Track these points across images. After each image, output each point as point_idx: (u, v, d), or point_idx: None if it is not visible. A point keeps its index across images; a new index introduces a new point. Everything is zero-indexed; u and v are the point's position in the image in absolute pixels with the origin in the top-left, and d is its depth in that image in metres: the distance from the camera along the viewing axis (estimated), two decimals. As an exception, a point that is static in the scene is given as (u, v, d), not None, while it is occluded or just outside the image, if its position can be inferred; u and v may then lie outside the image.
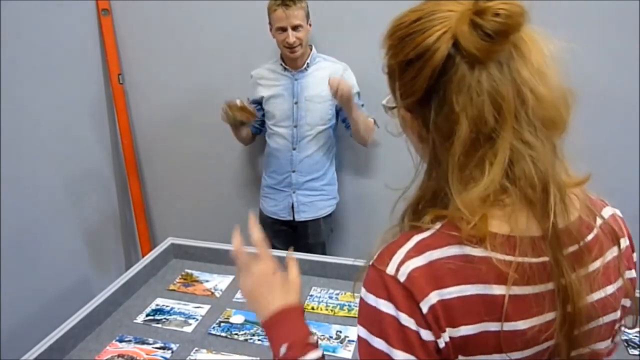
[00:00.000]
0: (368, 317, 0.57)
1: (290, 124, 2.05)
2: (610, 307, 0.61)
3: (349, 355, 1.27)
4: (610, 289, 0.61)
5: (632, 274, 0.65)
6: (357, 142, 2.13)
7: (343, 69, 2.05)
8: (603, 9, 1.88)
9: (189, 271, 1.66)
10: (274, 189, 2.15)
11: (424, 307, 0.53)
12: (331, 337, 1.33)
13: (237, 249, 0.78)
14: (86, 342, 1.32)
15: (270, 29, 1.96)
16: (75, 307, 1.36)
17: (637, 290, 0.67)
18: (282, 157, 2.09)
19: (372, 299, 0.56)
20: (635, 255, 0.68)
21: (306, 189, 2.12)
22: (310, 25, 1.97)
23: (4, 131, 1.91)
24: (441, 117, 0.56)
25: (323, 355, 0.69)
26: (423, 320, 0.53)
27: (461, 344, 0.54)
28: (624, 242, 0.64)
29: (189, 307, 1.47)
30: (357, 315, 0.59)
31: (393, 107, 0.64)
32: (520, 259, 0.54)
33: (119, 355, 1.27)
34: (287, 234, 2.18)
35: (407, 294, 0.54)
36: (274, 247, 1.98)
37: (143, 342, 1.32)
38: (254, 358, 1.26)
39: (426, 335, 0.53)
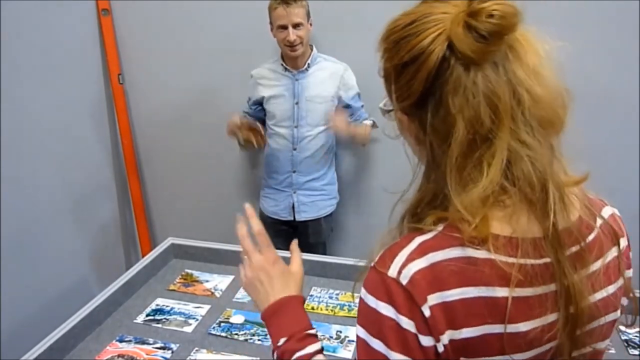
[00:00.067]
0: (367, 318, 0.57)
1: (291, 124, 2.05)
2: (612, 306, 0.61)
3: (349, 355, 1.27)
4: (611, 289, 0.61)
5: (629, 273, 0.66)
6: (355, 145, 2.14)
7: (344, 69, 2.06)
8: (603, 9, 1.88)
9: (189, 271, 1.66)
10: (275, 189, 2.15)
11: (425, 310, 0.53)
12: (331, 337, 1.33)
13: (242, 236, 0.79)
14: (86, 342, 1.32)
15: (271, 29, 1.96)
16: (75, 307, 1.36)
17: (638, 291, 0.67)
18: (282, 158, 2.09)
19: (372, 301, 0.56)
20: (630, 254, 0.68)
21: (307, 189, 2.12)
22: (311, 24, 1.97)
23: (4, 131, 1.91)
24: (438, 119, 0.56)
25: (322, 347, 0.69)
26: (424, 324, 0.53)
27: (463, 347, 0.54)
28: (623, 242, 0.65)
29: (189, 307, 1.47)
30: (356, 316, 0.59)
31: (390, 110, 0.64)
32: (522, 261, 0.53)
33: (119, 355, 1.27)
34: (288, 233, 2.18)
35: (409, 297, 0.53)
36: (274, 247, 1.98)
37: (143, 342, 1.32)
38: (254, 358, 1.26)
39: (425, 340, 0.53)
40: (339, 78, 2.04)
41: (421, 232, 0.57)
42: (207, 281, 1.61)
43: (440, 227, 0.57)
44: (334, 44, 2.13)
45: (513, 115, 0.54)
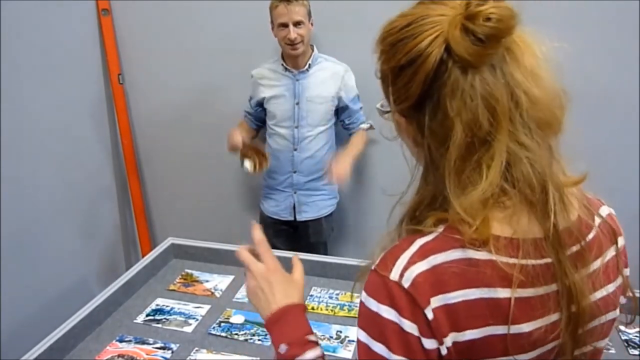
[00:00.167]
0: (369, 321, 0.56)
1: (292, 125, 2.05)
2: (612, 305, 0.62)
3: (349, 355, 1.27)
4: (611, 287, 0.62)
5: (627, 271, 0.66)
6: None
7: (344, 70, 2.05)
8: (603, 9, 1.88)
9: (189, 271, 1.66)
10: (275, 189, 2.15)
11: (429, 312, 0.53)
12: (331, 337, 1.33)
13: (240, 250, 0.79)
14: (86, 342, 1.32)
15: (272, 28, 1.96)
16: (75, 307, 1.36)
17: (638, 291, 0.67)
18: (283, 158, 2.09)
19: (373, 305, 0.56)
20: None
21: (307, 189, 2.12)
22: (312, 24, 1.97)
23: (4, 131, 1.91)
24: (436, 122, 0.56)
25: (323, 354, 0.69)
26: (426, 327, 0.53)
27: (467, 349, 0.53)
28: (621, 241, 0.65)
29: (189, 307, 1.47)
30: (357, 316, 0.59)
31: (387, 111, 0.63)
32: (523, 261, 0.54)
33: (119, 355, 1.27)
34: (289, 233, 2.18)
35: (411, 300, 0.53)
36: (275, 247, 1.98)
37: (143, 342, 1.32)
38: (254, 358, 1.26)
39: (428, 343, 0.53)
40: (339, 79, 2.04)
41: (421, 234, 0.57)
42: (207, 281, 1.61)
43: (440, 229, 0.56)
44: (334, 44, 2.13)
45: (511, 117, 0.54)
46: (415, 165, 0.63)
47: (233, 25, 2.26)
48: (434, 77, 0.54)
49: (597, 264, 0.60)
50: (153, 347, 1.30)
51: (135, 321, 1.41)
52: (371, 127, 2.11)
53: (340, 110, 2.10)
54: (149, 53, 2.43)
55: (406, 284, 0.53)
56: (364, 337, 0.57)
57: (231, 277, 1.61)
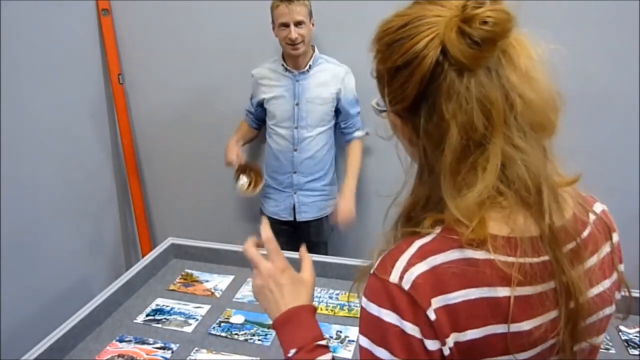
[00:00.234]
0: (370, 326, 0.56)
1: (291, 125, 2.05)
2: (608, 300, 0.62)
3: (349, 355, 1.27)
4: (607, 283, 0.62)
5: (621, 267, 0.67)
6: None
7: (345, 72, 2.05)
8: (603, 9, 1.88)
9: (189, 271, 1.66)
10: (275, 190, 2.15)
11: (431, 314, 0.53)
12: (331, 337, 1.33)
13: (247, 246, 0.78)
14: (86, 342, 1.32)
15: (273, 28, 1.96)
16: (75, 307, 1.36)
17: (638, 291, 0.67)
18: (283, 158, 2.09)
19: (374, 309, 0.55)
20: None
21: (307, 190, 2.12)
22: (313, 24, 1.96)
23: (4, 131, 1.91)
24: (431, 124, 0.56)
25: (333, 358, 0.68)
26: (429, 328, 0.53)
27: (468, 348, 0.54)
28: (616, 237, 0.66)
29: (189, 307, 1.47)
30: (357, 316, 0.59)
31: (383, 110, 0.63)
32: (521, 260, 0.54)
33: (119, 355, 1.27)
34: (289, 233, 2.18)
35: (412, 302, 0.53)
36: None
37: (143, 342, 1.32)
38: (254, 358, 1.26)
39: (431, 344, 0.53)
40: (340, 81, 2.03)
41: (419, 235, 0.57)
42: (207, 281, 1.61)
43: (437, 230, 0.56)
44: (334, 44, 2.13)
45: (506, 120, 0.54)
46: (410, 165, 0.63)
47: (233, 25, 2.26)
48: (429, 79, 0.54)
49: (592, 261, 0.60)
50: (153, 347, 1.30)
51: (135, 321, 1.41)
52: (367, 134, 2.11)
53: (337, 113, 2.10)
54: (149, 53, 2.43)
55: (406, 285, 0.53)
56: (366, 343, 0.56)
57: (231, 277, 1.61)
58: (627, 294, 0.66)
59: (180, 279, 1.62)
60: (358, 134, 2.12)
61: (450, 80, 0.53)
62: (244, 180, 1.97)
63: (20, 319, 2.02)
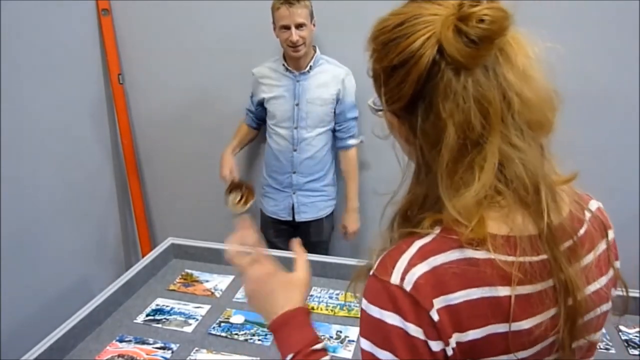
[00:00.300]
0: (372, 329, 0.55)
1: (291, 125, 2.05)
2: (605, 297, 0.63)
3: (349, 355, 1.27)
4: (603, 280, 0.62)
5: (618, 264, 0.67)
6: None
7: (345, 73, 2.04)
8: (603, 9, 1.88)
9: (189, 271, 1.66)
10: (275, 189, 2.15)
11: (434, 314, 0.52)
12: (331, 337, 1.33)
13: (232, 255, 0.77)
14: (86, 342, 1.32)
15: (274, 28, 1.95)
16: (75, 307, 1.36)
17: (638, 291, 0.67)
18: (282, 158, 2.09)
19: (376, 311, 0.55)
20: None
21: (307, 190, 2.12)
22: (314, 25, 1.96)
23: (4, 131, 1.91)
24: (428, 123, 0.55)
25: (331, 359, 0.67)
26: (432, 329, 0.53)
27: (470, 348, 0.53)
28: (611, 234, 0.66)
29: (189, 307, 1.47)
30: (357, 316, 0.59)
31: (379, 109, 0.63)
32: (521, 259, 0.54)
33: (119, 355, 1.27)
34: (289, 233, 2.18)
35: (414, 303, 0.53)
36: (276, 247, 1.98)
37: (143, 342, 1.32)
38: (254, 358, 1.26)
39: (435, 345, 0.53)
40: (340, 82, 2.02)
41: (419, 235, 0.57)
42: (207, 281, 1.61)
43: (437, 230, 0.56)
44: (335, 44, 2.13)
45: (503, 119, 0.54)
46: (407, 164, 0.63)
47: (233, 25, 2.26)
48: (426, 78, 0.54)
49: (589, 258, 0.61)
50: (153, 347, 1.30)
51: (135, 321, 1.41)
52: (361, 142, 2.10)
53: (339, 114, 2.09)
54: (149, 53, 2.43)
55: (408, 286, 0.53)
56: (368, 345, 0.56)
57: (231, 277, 1.61)
58: (623, 291, 0.66)
59: (180, 279, 1.62)
60: (352, 141, 2.09)
61: (447, 79, 0.53)
62: (234, 196, 2.03)
63: (20, 319, 2.02)
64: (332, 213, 2.20)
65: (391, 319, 0.54)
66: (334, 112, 2.07)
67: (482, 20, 0.51)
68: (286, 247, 2.06)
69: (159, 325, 1.39)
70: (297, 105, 2.03)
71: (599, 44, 1.90)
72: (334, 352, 1.28)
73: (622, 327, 1.34)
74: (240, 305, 1.47)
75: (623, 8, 1.86)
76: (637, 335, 1.32)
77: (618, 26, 1.90)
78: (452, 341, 0.53)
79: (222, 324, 1.39)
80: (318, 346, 0.68)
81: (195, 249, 1.72)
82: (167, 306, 1.48)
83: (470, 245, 0.54)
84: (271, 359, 1.25)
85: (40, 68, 2.07)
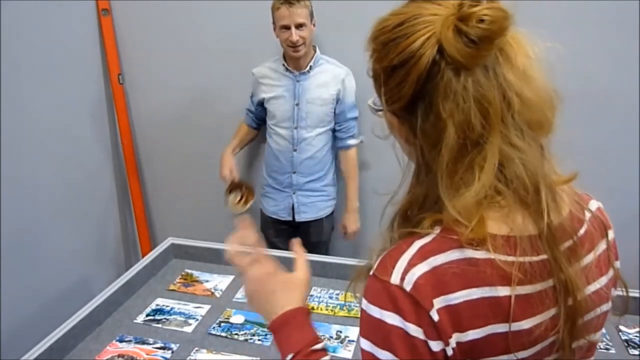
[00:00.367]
0: (372, 329, 0.56)
1: (291, 125, 2.05)
2: (605, 297, 0.63)
3: (349, 355, 1.27)
4: (603, 280, 0.62)
5: (618, 264, 0.67)
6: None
7: (345, 73, 2.04)
8: (603, 9, 1.88)
9: (189, 271, 1.66)
10: (275, 189, 2.15)
11: (434, 314, 0.52)
12: (331, 337, 1.33)
13: (231, 255, 0.77)
14: (86, 342, 1.32)
15: (274, 28, 1.95)
16: (75, 307, 1.36)
17: (638, 291, 0.67)
18: (282, 158, 2.09)
19: (376, 311, 0.55)
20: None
21: (307, 190, 2.12)
22: (314, 25, 1.96)
23: (4, 131, 1.91)
24: (428, 123, 0.55)
25: (331, 359, 0.67)
26: (432, 329, 0.53)
27: (470, 348, 0.53)
28: (611, 234, 0.66)
29: (189, 307, 1.47)
30: (357, 316, 0.59)
31: (379, 109, 0.63)
32: (521, 259, 0.54)
33: (119, 355, 1.27)
34: (289, 233, 2.18)
35: (414, 303, 0.53)
36: (276, 247, 1.98)
37: (143, 342, 1.32)
38: (254, 358, 1.26)
39: (435, 345, 0.53)
40: (340, 82, 2.02)
41: (419, 235, 0.57)
42: (207, 281, 1.61)
43: (437, 230, 0.56)
44: (335, 44, 2.13)
45: (503, 119, 0.54)
46: (407, 164, 0.63)
47: (233, 25, 2.26)
48: (426, 78, 0.54)
49: (589, 258, 0.61)
50: (153, 347, 1.30)
51: (135, 321, 1.41)
52: (361, 142, 2.09)
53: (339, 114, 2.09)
54: (149, 53, 2.43)
55: (408, 287, 0.53)
56: (368, 346, 0.56)
57: (231, 277, 1.61)
58: (623, 291, 0.66)
59: (180, 279, 1.62)
60: (352, 141, 2.09)
61: (447, 80, 0.53)
62: (234, 196, 2.03)
63: (20, 319, 2.02)
64: (332, 213, 2.20)
65: (391, 319, 0.54)
66: (334, 112, 2.06)
67: (482, 20, 0.51)
68: (286, 247, 2.06)
69: (159, 325, 1.39)
70: (297, 105, 2.03)
71: (599, 44, 1.90)
72: (334, 352, 1.28)
73: (622, 327, 1.34)
74: (240, 305, 1.47)
75: (623, 8, 1.86)
76: (637, 335, 1.32)
77: (618, 26, 1.90)
78: (452, 341, 0.53)
79: (222, 324, 1.39)
80: (318, 346, 0.68)
81: (195, 249, 1.72)
82: (167, 306, 1.48)
83: (470, 245, 0.54)
84: (271, 359, 1.25)
85: (40, 68, 2.07)
